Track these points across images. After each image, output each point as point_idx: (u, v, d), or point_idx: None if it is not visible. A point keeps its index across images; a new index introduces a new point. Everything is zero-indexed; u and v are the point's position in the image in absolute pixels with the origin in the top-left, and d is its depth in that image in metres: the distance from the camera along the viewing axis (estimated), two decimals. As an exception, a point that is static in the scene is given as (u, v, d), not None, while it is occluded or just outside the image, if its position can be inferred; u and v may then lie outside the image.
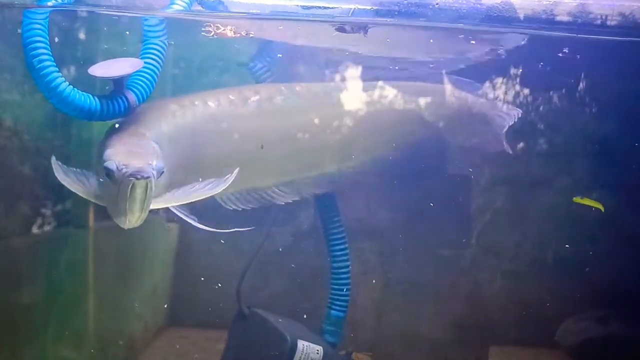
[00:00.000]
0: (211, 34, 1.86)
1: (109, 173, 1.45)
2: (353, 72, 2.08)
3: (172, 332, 2.26)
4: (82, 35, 2.05)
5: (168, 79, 2.02)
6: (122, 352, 2.16)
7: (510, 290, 2.07)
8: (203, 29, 1.87)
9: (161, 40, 1.79)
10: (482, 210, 2.06)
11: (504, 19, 1.84)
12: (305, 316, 1.91)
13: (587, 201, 1.85)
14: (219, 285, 2.02)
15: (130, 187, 1.41)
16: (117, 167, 1.44)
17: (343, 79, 2.05)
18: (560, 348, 2.08)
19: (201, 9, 1.88)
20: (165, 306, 2.26)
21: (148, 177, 1.41)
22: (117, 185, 1.44)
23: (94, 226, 1.98)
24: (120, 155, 1.48)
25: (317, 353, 1.79)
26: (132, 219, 1.48)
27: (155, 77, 1.77)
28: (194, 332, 2.23)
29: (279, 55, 1.88)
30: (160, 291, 2.27)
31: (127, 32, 1.92)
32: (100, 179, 1.52)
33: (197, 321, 2.17)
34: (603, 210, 1.84)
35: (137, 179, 1.40)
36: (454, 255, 2.06)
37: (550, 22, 1.89)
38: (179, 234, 2.20)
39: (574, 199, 1.87)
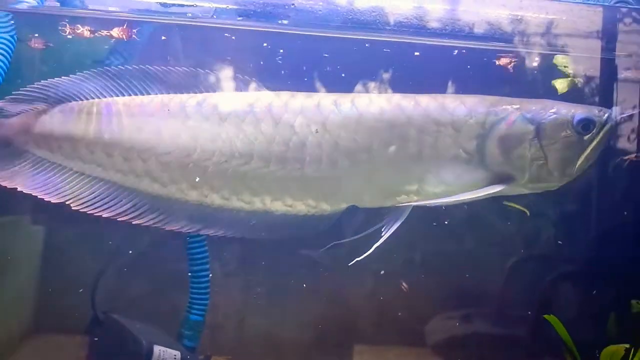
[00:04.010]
0: (67, 33, 1.79)
1: (589, 122, 1.68)
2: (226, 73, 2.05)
3: (37, 338, 2.18)
4: None
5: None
6: (-17, 360, 2.06)
7: (374, 290, 2.08)
8: (60, 28, 1.80)
9: (10, 35, 1.73)
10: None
11: (369, 24, 1.85)
12: (164, 321, 1.87)
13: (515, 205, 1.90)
14: (84, 290, 1.96)
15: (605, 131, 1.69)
16: (595, 115, 1.69)
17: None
18: (425, 346, 2.12)
19: (57, 4, 1.82)
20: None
21: None
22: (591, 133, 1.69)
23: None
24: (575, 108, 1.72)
25: (175, 358, 1.76)
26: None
27: (2, 72, 1.70)
28: (60, 337, 2.15)
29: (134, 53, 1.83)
30: (25, 297, 2.18)
31: None
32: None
33: (64, 327, 2.09)
34: (528, 214, 1.88)
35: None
36: (317, 256, 2.05)
37: (421, 28, 1.92)
38: (44, 238, 2.11)
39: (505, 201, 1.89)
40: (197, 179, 1.71)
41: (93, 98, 1.77)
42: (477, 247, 2.10)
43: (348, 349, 2.07)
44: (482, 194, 1.68)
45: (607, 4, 1.92)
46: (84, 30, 1.80)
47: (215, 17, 1.78)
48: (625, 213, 2.08)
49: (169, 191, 1.73)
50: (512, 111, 1.71)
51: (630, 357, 1.88)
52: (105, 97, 1.77)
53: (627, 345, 1.81)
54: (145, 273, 1.96)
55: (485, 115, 1.70)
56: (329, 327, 2.07)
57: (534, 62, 1.98)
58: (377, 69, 1.93)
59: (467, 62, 1.97)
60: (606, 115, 1.71)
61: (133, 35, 1.76)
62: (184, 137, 1.71)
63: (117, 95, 1.78)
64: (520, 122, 1.69)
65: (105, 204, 1.73)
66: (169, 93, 1.77)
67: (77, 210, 1.78)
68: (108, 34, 1.76)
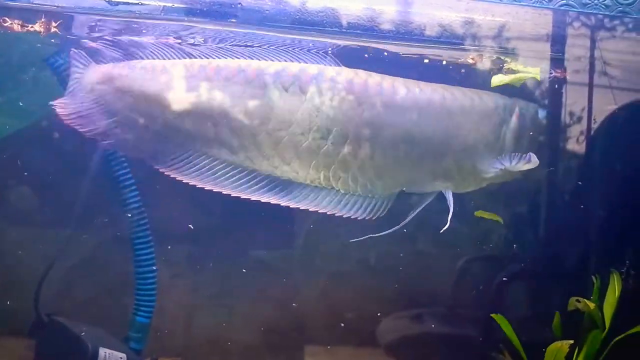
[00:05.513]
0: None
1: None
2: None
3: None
4: None
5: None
6: None
7: (326, 291, 2.08)
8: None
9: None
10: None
11: (317, 24, 1.85)
12: (111, 323, 1.85)
13: (487, 214, 1.92)
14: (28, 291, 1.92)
15: None
16: None
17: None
18: (377, 347, 2.13)
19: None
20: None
21: None
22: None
23: None
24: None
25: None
26: None
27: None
28: (10, 340, 2.11)
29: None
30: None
31: None
32: None
33: (14, 329, 2.06)
34: (502, 222, 1.91)
35: None
36: (267, 257, 2.04)
37: (372, 29, 1.93)
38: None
39: (476, 213, 1.91)
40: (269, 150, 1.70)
41: (173, 58, 1.75)
42: (427, 247, 2.12)
43: (298, 350, 2.07)
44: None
45: (551, 6, 1.95)
46: (14, 24, 1.77)
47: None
48: (572, 212, 2.12)
49: (237, 158, 1.71)
50: (514, 104, 1.85)
51: (575, 355, 1.91)
52: (184, 58, 1.75)
53: (572, 342, 1.84)
54: (92, 275, 1.94)
55: (504, 107, 1.83)
56: (280, 328, 2.06)
57: (479, 63, 2.00)
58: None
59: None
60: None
61: (53, 29, 1.73)
62: (259, 105, 1.68)
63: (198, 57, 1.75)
64: (523, 115, 1.85)
65: (172, 165, 1.72)
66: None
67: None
68: (31, 27, 1.74)
